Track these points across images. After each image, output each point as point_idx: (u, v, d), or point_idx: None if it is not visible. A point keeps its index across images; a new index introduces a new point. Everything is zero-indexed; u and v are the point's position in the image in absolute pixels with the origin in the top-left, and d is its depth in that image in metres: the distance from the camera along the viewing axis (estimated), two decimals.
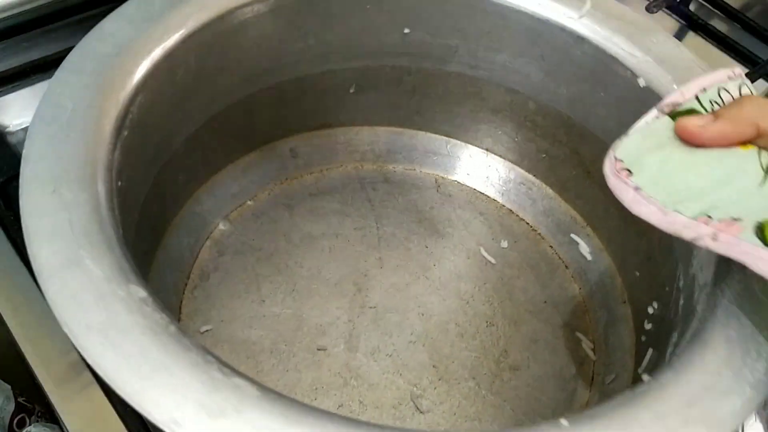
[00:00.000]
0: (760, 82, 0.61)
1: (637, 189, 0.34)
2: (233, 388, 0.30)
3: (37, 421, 0.49)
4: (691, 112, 0.35)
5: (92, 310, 0.31)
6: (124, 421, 0.39)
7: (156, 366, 0.30)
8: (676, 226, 0.33)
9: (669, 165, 0.34)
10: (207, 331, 0.48)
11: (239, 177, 0.55)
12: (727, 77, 0.37)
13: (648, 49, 0.47)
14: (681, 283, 0.43)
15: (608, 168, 0.35)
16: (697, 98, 0.36)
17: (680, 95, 0.36)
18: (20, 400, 0.49)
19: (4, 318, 0.42)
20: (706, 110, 0.35)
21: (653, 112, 0.36)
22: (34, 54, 0.53)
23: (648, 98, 0.46)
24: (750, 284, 0.37)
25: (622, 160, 0.35)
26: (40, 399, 0.49)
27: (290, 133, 0.57)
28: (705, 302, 0.38)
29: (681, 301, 0.43)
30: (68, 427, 0.40)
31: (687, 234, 0.33)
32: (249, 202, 0.55)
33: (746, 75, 0.59)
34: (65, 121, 0.37)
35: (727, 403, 0.32)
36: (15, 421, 0.49)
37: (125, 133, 0.40)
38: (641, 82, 0.46)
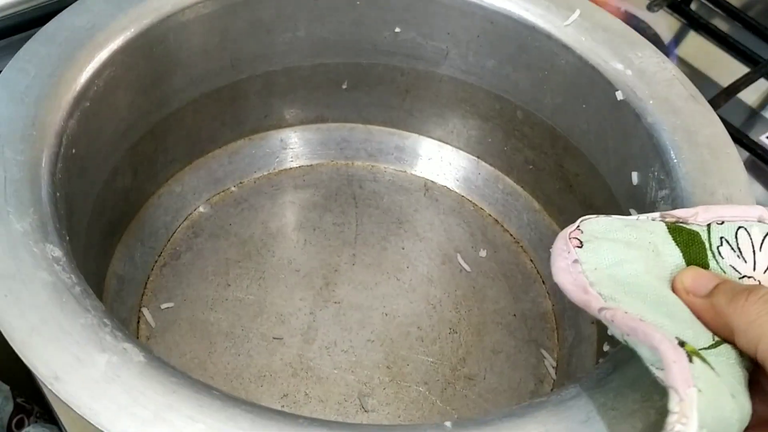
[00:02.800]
0: (761, 81, 0.59)
1: (575, 262, 0.30)
2: (120, 353, 0.30)
3: (36, 422, 0.49)
4: (693, 236, 0.31)
5: (3, 261, 0.32)
6: None
7: (49, 321, 0.30)
8: (591, 305, 0.29)
9: (623, 268, 0.30)
10: (168, 308, 0.49)
11: (225, 163, 0.56)
12: (757, 218, 0.31)
13: (630, 62, 0.45)
14: None
15: (564, 232, 0.31)
16: (708, 227, 0.31)
17: (692, 215, 0.32)
18: (19, 400, 0.50)
19: None
20: (711, 244, 0.31)
21: (654, 214, 0.32)
22: None
23: (624, 112, 0.44)
24: None
25: (582, 231, 0.31)
26: (38, 399, 0.50)
27: (282, 125, 0.57)
28: None
29: None
30: (66, 428, 0.41)
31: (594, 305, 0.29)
32: (233, 188, 0.56)
33: (747, 75, 0.58)
34: (25, 85, 0.39)
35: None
36: (14, 422, 0.49)
37: (87, 104, 0.41)
38: (619, 95, 0.45)
